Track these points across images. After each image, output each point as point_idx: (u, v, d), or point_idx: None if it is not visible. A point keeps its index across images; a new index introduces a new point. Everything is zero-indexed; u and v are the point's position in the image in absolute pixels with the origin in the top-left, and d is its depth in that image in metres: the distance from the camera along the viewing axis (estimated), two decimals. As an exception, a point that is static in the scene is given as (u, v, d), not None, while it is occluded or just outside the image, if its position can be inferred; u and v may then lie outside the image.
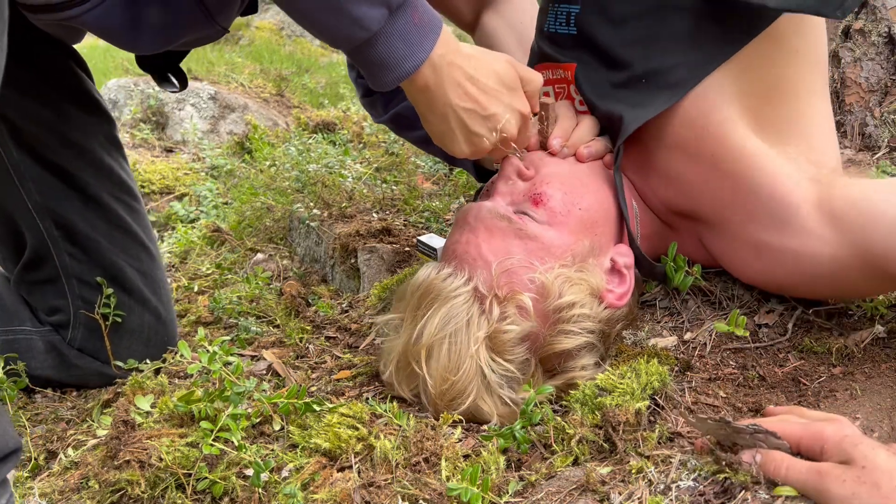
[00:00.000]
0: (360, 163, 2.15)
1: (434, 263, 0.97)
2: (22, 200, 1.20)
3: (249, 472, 0.83)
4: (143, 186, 2.60)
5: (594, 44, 1.05)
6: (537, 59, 1.19)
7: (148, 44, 1.03)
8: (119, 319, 1.24)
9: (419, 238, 1.44)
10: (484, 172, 1.29)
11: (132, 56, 4.11)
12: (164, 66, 1.24)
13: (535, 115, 1.05)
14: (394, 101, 1.33)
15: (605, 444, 0.82)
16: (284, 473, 0.84)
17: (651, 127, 1.00)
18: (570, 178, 1.01)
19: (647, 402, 0.84)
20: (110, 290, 1.24)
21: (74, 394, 1.27)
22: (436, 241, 1.39)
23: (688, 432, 0.82)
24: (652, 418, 0.86)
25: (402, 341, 0.95)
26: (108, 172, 1.27)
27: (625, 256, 1.00)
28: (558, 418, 0.87)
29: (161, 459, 0.82)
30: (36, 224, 1.21)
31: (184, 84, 1.26)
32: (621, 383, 0.86)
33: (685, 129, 0.98)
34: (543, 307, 0.92)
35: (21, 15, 1.11)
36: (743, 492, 0.67)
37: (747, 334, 0.94)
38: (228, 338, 1.30)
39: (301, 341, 1.31)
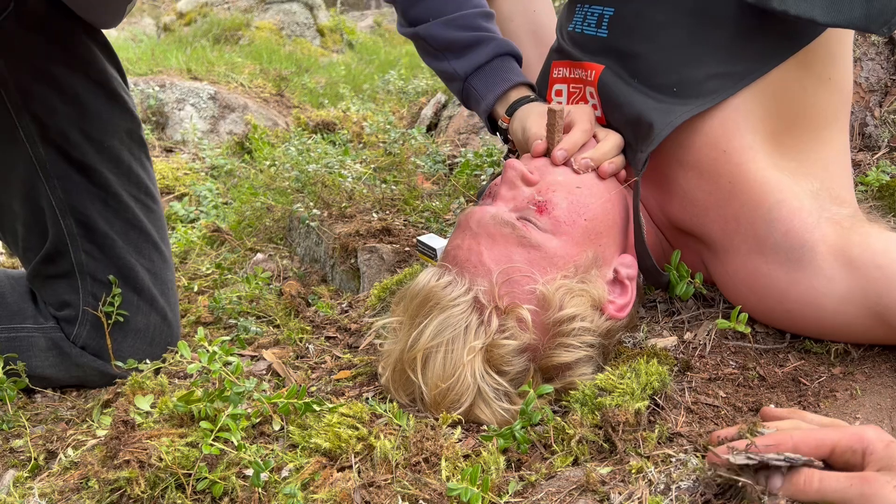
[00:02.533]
0: (360, 163, 2.15)
1: (434, 269, 0.96)
2: (47, 196, 1.22)
3: (249, 472, 0.82)
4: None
5: (626, 48, 1.03)
6: (556, 56, 1.17)
7: None
8: (122, 318, 1.25)
9: (419, 238, 1.44)
10: (497, 126, 1.24)
11: (131, 56, 4.07)
12: None
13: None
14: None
15: (605, 444, 0.82)
16: (284, 473, 0.84)
17: (671, 142, 0.98)
18: (577, 187, 0.99)
19: (646, 402, 0.84)
20: (118, 290, 1.25)
21: (74, 394, 1.27)
22: (436, 241, 1.39)
23: (688, 432, 0.82)
24: (652, 418, 0.86)
25: (398, 348, 0.94)
26: (126, 170, 1.28)
27: (628, 267, 0.99)
28: (558, 418, 0.87)
29: (161, 459, 0.82)
30: (58, 220, 1.23)
31: None
32: (621, 383, 0.86)
33: (705, 149, 0.96)
34: (543, 319, 0.91)
35: (58, 7, 1.11)
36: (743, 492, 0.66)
37: (748, 331, 0.94)
38: (228, 338, 1.30)
39: (301, 341, 1.31)
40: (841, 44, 0.98)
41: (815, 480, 0.62)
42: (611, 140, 1.03)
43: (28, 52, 1.19)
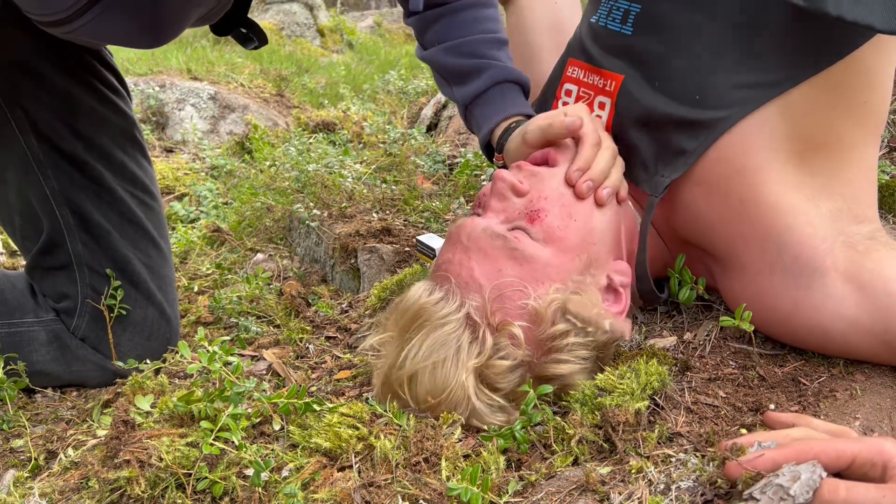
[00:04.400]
0: (360, 163, 2.15)
1: (426, 283, 0.94)
2: (41, 187, 1.23)
3: (249, 471, 0.83)
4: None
5: (650, 49, 0.99)
6: (575, 53, 1.12)
7: (160, 35, 1.04)
8: (124, 312, 1.25)
9: (418, 238, 1.44)
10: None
11: (131, 56, 4.08)
12: (235, 24, 1.25)
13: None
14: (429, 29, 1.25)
15: (604, 444, 0.82)
16: (284, 473, 0.84)
17: None
18: (569, 193, 0.96)
19: (646, 402, 0.84)
20: (118, 283, 1.25)
21: (74, 394, 1.27)
22: (435, 241, 1.40)
23: (688, 432, 0.82)
24: (652, 418, 0.86)
25: (388, 363, 0.93)
26: (119, 166, 1.29)
27: (622, 275, 0.96)
28: (558, 418, 0.87)
29: (161, 459, 0.82)
30: (53, 210, 1.24)
31: (262, 39, 1.27)
32: (621, 383, 0.86)
33: (718, 166, 0.93)
34: (536, 335, 0.89)
35: None
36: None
37: (752, 328, 0.93)
38: (228, 338, 1.30)
39: (301, 341, 1.31)
40: (881, 66, 0.92)
41: (840, 490, 0.60)
42: (605, 157, 0.98)
43: (15, 48, 1.20)
